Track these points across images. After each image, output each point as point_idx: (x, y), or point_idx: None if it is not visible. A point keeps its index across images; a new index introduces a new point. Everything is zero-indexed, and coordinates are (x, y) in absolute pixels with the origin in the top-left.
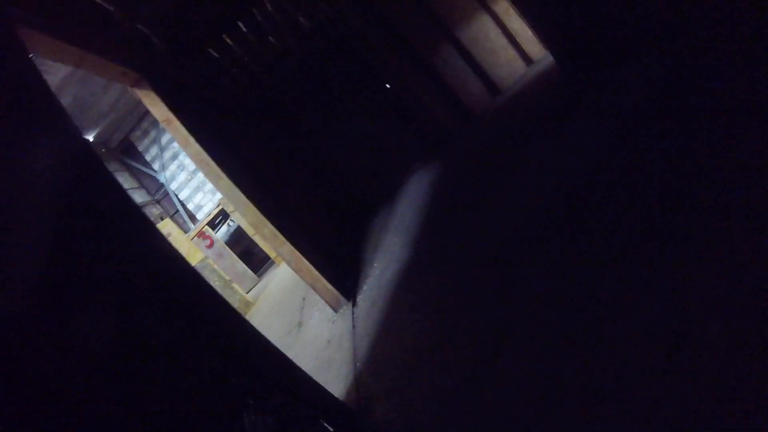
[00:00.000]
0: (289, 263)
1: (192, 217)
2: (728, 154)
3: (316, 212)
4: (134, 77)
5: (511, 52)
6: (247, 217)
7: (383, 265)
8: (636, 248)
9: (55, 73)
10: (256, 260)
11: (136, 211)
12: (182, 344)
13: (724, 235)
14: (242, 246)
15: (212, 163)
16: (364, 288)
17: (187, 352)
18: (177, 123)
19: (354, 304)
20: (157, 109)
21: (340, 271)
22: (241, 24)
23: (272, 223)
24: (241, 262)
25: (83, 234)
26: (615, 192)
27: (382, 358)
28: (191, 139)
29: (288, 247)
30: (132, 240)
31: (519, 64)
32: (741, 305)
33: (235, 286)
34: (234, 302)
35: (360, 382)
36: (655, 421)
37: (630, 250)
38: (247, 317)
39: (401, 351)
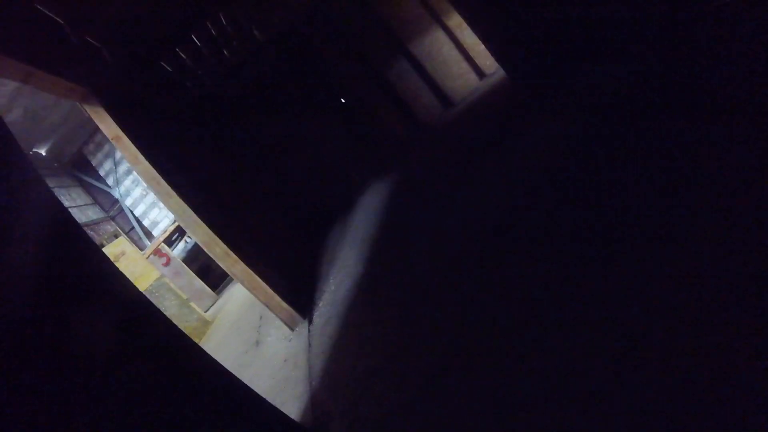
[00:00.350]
0: (242, 283)
1: (148, 234)
2: (661, 161)
3: (272, 228)
4: (83, 93)
5: (464, 66)
6: (197, 236)
7: (338, 281)
8: (575, 262)
9: (6, 84)
10: (214, 276)
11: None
12: (131, 370)
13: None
14: (200, 262)
15: (162, 181)
16: (320, 305)
17: (136, 381)
18: (126, 140)
19: (310, 322)
20: (106, 125)
21: (296, 287)
22: (194, 37)
23: (224, 241)
24: (199, 280)
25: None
26: (559, 203)
27: (337, 376)
28: (141, 157)
29: (241, 266)
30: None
31: (472, 77)
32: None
33: (193, 305)
34: (192, 321)
35: (315, 400)
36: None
37: (568, 266)
38: (205, 337)
39: (355, 368)
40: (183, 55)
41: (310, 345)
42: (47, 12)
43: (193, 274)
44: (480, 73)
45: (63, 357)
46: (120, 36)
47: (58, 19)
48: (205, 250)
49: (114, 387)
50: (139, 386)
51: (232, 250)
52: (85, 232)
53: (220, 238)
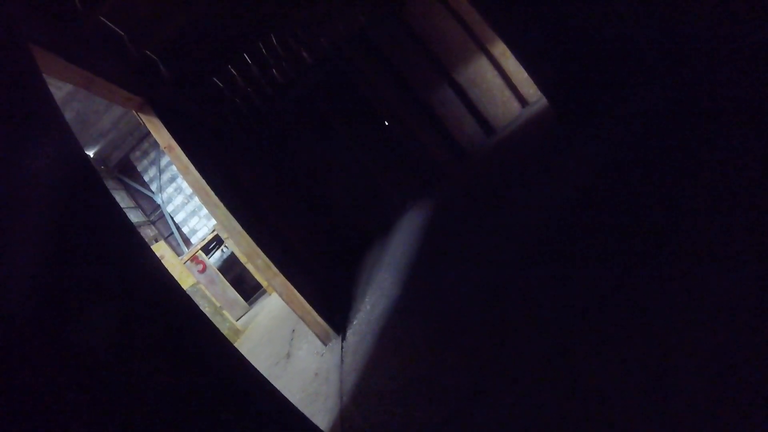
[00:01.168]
0: (280, 295)
1: (186, 241)
2: (705, 191)
3: (311, 245)
4: (139, 102)
5: (507, 93)
6: (241, 247)
7: (374, 301)
8: (611, 290)
9: (62, 86)
10: (247, 288)
11: (132, 230)
12: (174, 371)
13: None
14: (234, 273)
15: (210, 192)
16: (354, 323)
17: (179, 379)
18: (178, 150)
19: (343, 338)
20: (160, 135)
21: (332, 304)
22: (246, 56)
23: (266, 254)
24: (233, 289)
25: (78, 246)
26: (595, 231)
27: (369, 393)
28: (191, 167)
29: (281, 279)
30: (125, 259)
31: (514, 105)
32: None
33: (225, 312)
34: (224, 329)
35: (345, 415)
36: None
37: (608, 291)
38: (236, 345)
39: (387, 386)
40: (234, 72)
41: (342, 361)
42: (110, 24)
43: (227, 283)
44: (523, 101)
45: (75, 353)
46: (176, 51)
47: (119, 31)
48: (247, 260)
49: (146, 387)
50: (166, 384)
51: (273, 262)
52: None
53: (263, 250)
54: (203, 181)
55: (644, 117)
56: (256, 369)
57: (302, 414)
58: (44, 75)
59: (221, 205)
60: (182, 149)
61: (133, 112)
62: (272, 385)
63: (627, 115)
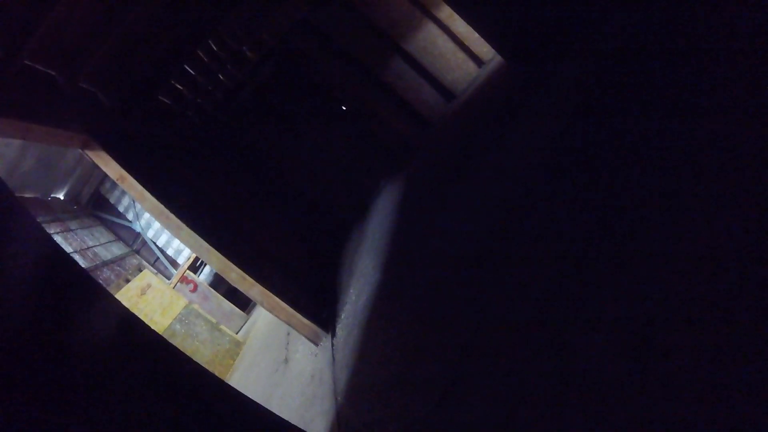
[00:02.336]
0: (261, 304)
1: (173, 263)
2: (675, 153)
3: (288, 243)
4: (82, 140)
5: (461, 56)
6: (212, 264)
7: (358, 290)
8: (582, 255)
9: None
10: (242, 297)
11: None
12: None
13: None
14: (227, 284)
15: (171, 215)
16: (342, 316)
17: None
18: (130, 179)
19: (333, 335)
20: (109, 168)
21: (318, 301)
22: (187, 67)
23: (239, 266)
24: (228, 302)
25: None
26: (559, 190)
27: (361, 389)
28: (147, 194)
29: (258, 288)
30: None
31: (470, 66)
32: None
33: (224, 327)
34: (224, 344)
35: (341, 416)
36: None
37: (577, 255)
38: (239, 358)
39: (375, 381)
40: (179, 86)
41: (334, 359)
42: (37, 66)
43: (221, 297)
44: (478, 61)
45: (64, 398)
46: (113, 77)
47: (48, 71)
48: (222, 275)
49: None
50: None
51: (247, 272)
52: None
53: (235, 262)
54: (161, 206)
55: (597, 56)
56: (245, 397)
57: (299, 429)
58: None
59: (184, 226)
60: (135, 177)
61: (80, 150)
62: (265, 408)
63: (582, 55)
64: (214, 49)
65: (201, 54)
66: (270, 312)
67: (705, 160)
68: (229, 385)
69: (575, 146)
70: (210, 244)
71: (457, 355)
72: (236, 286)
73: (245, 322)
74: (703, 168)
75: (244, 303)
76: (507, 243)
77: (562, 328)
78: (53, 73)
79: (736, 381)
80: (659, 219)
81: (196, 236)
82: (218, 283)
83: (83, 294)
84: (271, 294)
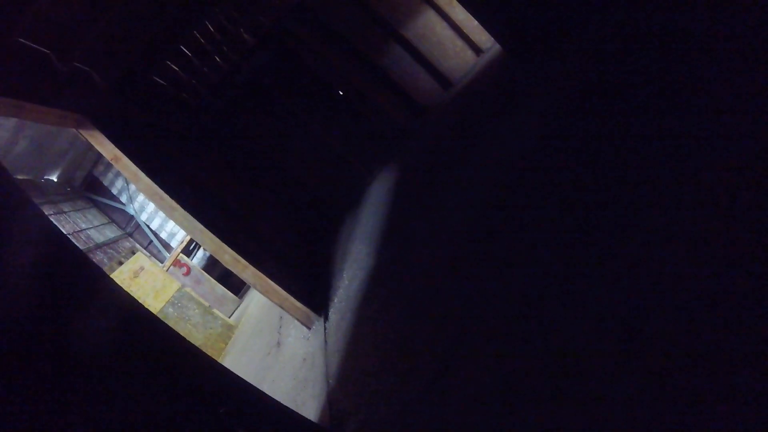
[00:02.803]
0: (254, 286)
1: (166, 246)
2: (671, 141)
3: (281, 229)
4: (76, 119)
5: (459, 44)
6: (206, 245)
7: (351, 275)
8: (575, 242)
9: (9, 118)
10: (236, 281)
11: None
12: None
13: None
14: (220, 268)
15: (165, 196)
16: (335, 301)
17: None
18: (125, 159)
19: (326, 319)
20: (103, 147)
21: (310, 285)
22: (184, 48)
23: (232, 247)
24: (221, 286)
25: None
26: (548, 185)
27: (352, 373)
28: (141, 174)
29: (251, 271)
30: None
31: (468, 54)
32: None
33: (216, 311)
34: (216, 328)
35: (332, 399)
36: (612, 410)
37: (570, 243)
38: (231, 342)
39: (366, 365)
40: (175, 68)
41: (326, 343)
42: (30, 44)
43: (214, 281)
44: (477, 49)
45: (60, 375)
46: (108, 56)
47: (42, 49)
48: (215, 257)
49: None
50: (152, 408)
51: (241, 255)
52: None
53: (229, 244)
54: (156, 187)
55: (596, 52)
56: (237, 376)
57: (290, 410)
58: None
59: (178, 207)
60: (129, 157)
61: (74, 129)
62: (257, 389)
63: (580, 50)
64: (211, 29)
65: (197, 35)
66: (263, 295)
67: (697, 155)
68: (223, 366)
69: (570, 135)
70: (204, 225)
71: (448, 345)
72: (230, 268)
73: (238, 307)
74: (694, 161)
75: (236, 287)
76: (499, 231)
77: (553, 319)
78: (47, 51)
79: (728, 371)
80: (650, 212)
81: (190, 217)
82: (211, 268)
83: (81, 276)
84: (264, 276)
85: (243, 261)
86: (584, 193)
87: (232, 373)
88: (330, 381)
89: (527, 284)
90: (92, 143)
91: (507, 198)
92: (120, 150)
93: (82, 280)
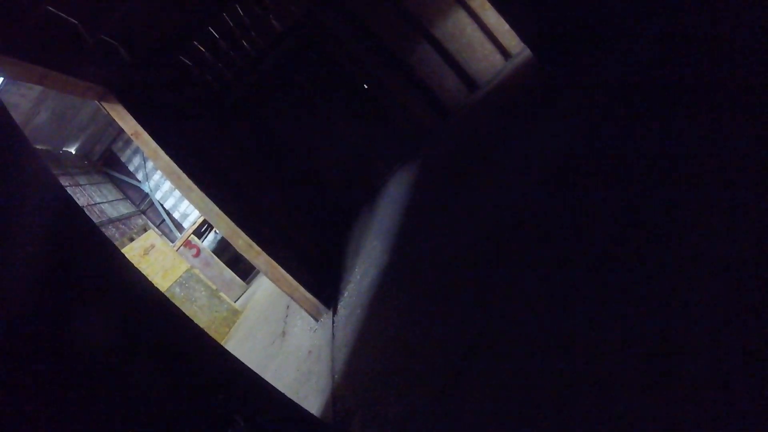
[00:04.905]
0: (266, 273)
1: (178, 226)
2: (705, 152)
3: (295, 219)
4: (100, 91)
5: (489, 47)
6: (220, 229)
7: (363, 270)
8: (601, 255)
9: (33, 87)
10: (244, 267)
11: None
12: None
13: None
14: (230, 253)
15: (183, 175)
16: (345, 295)
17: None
18: (145, 135)
19: (335, 312)
20: (125, 122)
21: (321, 277)
22: (212, 29)
23: (246, 233)
24: (229, 270)
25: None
26: (576, 196)
27: (359, 370)
28: (161, 152)
29: (264, 258)
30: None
31: (497, 58)
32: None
33: (222, 295)
34: (222, 311)
35: (337, 395)
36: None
37: (597, 256)
38: (235, 327)
39: (375, 363)
40: (202, 49)
41: (333, 336)
42: (59, 13)
43: (223, 265)
44: (505, 54)
45: (66, 355)
46: (136, 32)
47: (71, 19)
48: (229, 241)
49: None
50: (153, 388)
51: (255, 241)
52: (97, 229)
53: (243, 230)
54: (174, 165)
55: (628, 67)
56: (242, 364)
57: (294, 403)
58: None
59: (195, 187)
60: (150, 134)
61: (96, 102)
62: (263, 379)
63: (611, 65)
64: (241, 14)
65: (227, 18)
66: (274, 283)
67: (734, 168)
68: (228, 352)
69: (602, 144)
70: (220, 209)
71: (463, 351)
72: (242, 254)
73: (244, 292)
74: (731, 175)
75: (244, 273)
76: (524, 236)
77: (576, 330)
78: (76, 22)
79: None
80: (683, 225)
81: (207, 199)
82: (221, 252)
83: (93, 249)
84: (276, 265)
85: (257, 247)
86: (618, 200)
87: (238, 360)
88: (336, 376)
89: (555, 294)
90: (114, 117)
91: (536, 200)
92: (141, 126)
93: (93, 253)
